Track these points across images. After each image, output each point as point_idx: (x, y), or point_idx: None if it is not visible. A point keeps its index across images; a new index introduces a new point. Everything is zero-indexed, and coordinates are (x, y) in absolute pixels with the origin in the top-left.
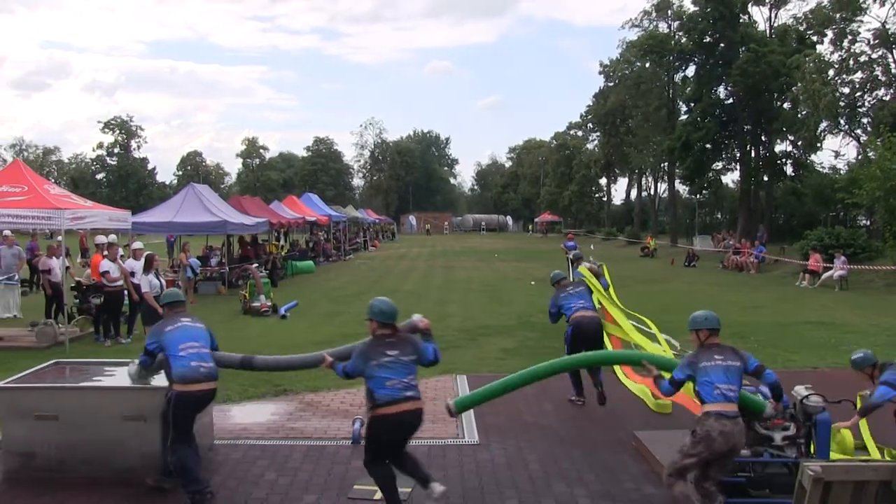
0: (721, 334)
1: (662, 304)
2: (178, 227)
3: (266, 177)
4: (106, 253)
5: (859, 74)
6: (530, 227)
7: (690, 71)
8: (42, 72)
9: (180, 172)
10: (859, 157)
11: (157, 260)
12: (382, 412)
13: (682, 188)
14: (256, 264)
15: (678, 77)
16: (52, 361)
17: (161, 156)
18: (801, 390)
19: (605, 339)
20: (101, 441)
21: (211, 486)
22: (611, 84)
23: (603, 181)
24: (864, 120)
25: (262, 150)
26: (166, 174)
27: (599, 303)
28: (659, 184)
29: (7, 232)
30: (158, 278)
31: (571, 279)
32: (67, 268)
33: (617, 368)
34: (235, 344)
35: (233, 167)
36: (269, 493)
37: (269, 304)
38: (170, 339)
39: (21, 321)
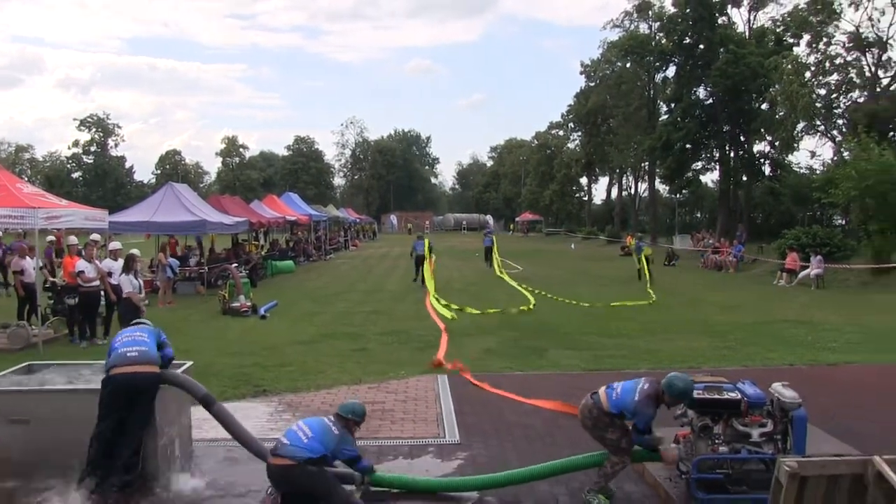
0: (701, 333)
1: (650, 304)
2: (156, 227)
3: (246, 176)
4: (83, 252)
5: (835, 76)
6: (511, 226)
7: (671, 71)
8: (14, 67)
9: (158, 171)
10: (835, 157)
11: (137, 260)
12: None
13: (662, 188)
14: (236, 264)
15: (658, 77)
16: (24, 364)
17: (139, 154)
18: (777, 387)
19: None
20: (76, 445)
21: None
22: (592, 84)
23: (584, 180)
24: (840, 121)
25: (241, 149)
26: (144, 173)
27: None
28: (639, 183)
29: None
30: (137, 278)
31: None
32: (41, 268)
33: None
34: (215, 344)
35: (212, 166)
36: (245, 498)
37: (249, 304)
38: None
39: None
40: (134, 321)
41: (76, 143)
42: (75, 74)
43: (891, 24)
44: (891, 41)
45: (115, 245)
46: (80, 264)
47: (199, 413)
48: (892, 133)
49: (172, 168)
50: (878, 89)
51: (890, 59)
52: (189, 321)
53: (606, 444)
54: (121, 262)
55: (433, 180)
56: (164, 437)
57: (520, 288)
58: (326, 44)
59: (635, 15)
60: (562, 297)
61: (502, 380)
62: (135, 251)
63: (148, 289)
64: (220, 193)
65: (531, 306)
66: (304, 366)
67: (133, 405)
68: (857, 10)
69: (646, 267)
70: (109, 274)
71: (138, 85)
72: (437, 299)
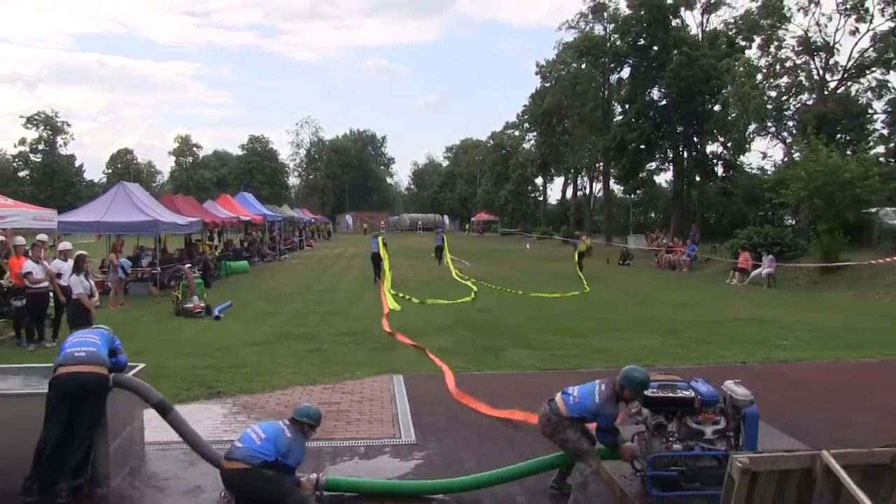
0: (655, 332)
1: (605, 303)
2: (107, 227)
3: (199, 175)
4: (30, 253)
5: (785, 79)
6: (467, 226)
7: (625, 73)
8: None
9: (110, 170)
10: (785, 158)
11: (87, 260)
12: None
13: (616, 188)
14: (190, 264)
15: (613, 78)
16: None
17: (89, 153)
18: (730, 385)
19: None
20: (23, 451)
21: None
22: (547, 84)
23: (539, 181)
24: (790, 123)
25: (195, 149)
26: (95, 172)
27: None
28: (594, 183)
29: None
30: (88, 279)
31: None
32: None
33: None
34: (168, 345)
35: (165, 165)
36: (198, 500)
37: (203, 304)
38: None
39: None
40: (95, 325)
41: (23, 142)
42: (21, 70)
43: (837, 30)
44: (837, 46)
45: (64, 245)
46: (27, 265)
47: (151, 414)
48: (839, 135)
49: (124, 167)
50: (826, 92)
51: (837, 63)
52: (141, 322)
53: (568, 448)
54: (70, 262)
55: (389, 180)
56: (116, 440)
57: (469, 284)
58: (283, 42)
59: (590, 16)
60: (514, 289)
61: (459, 380)
62: (82, 252)
63: (99, 290)
64: (173, 193)
65: (473, 296)
66: (259, 367)
67: (80, 406)
68: (805, 15)
69: (578, 261)
70: (59, 275)
71: (88, 82)
72: (390, 291)
